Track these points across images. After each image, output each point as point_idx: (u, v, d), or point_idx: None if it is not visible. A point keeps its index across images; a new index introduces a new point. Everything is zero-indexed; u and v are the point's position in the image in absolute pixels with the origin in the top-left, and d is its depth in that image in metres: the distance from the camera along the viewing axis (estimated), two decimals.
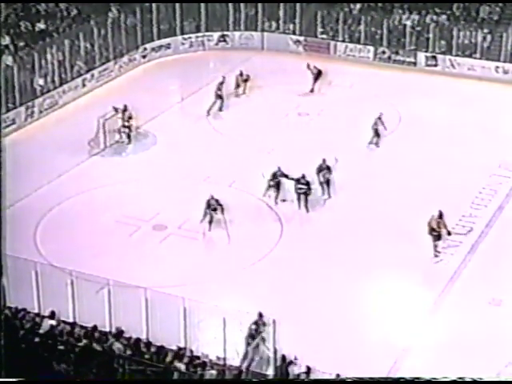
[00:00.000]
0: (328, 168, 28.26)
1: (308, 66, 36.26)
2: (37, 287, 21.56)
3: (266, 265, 24.88)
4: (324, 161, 28.28)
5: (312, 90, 36.14)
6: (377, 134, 31.67)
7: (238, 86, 35.83)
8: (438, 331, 22.26)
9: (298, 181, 27.47)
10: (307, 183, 27.43)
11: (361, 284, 23.94)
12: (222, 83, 34.31)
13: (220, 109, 34.30)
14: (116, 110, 31.65)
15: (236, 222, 26.67)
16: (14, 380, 14.16)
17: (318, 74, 36.24)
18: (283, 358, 19.39)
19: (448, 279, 24.39)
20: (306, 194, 27.50)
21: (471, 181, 29.36)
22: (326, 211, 27.62)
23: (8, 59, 33.93)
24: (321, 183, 28.28)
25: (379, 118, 31.59)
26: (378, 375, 18.58)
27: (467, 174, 29.68)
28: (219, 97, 34.21)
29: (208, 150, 31.45)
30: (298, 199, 27.60)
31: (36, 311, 20.92)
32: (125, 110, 31.65)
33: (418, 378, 15.75)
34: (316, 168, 28.21)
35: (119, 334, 19.61)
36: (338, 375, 18.37)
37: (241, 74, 35.93)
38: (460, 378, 15.31)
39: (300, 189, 27.44)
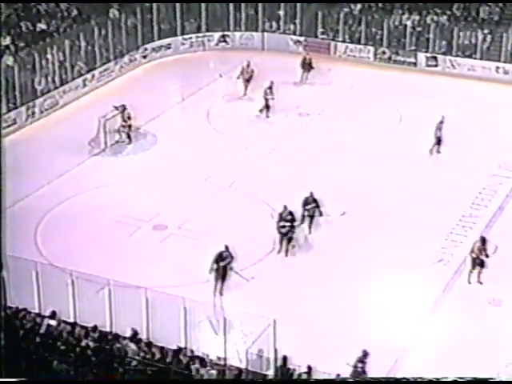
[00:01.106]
0: (315, 201, 26.17)
1: (304, 59, 36.80)
2: (37, 287, 21.56)
3: (266, 265, 24.87)
4: (311, 194, 26.18)
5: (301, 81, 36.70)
6: (438, 140, 30.75)
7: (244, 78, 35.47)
8: (438, 331, 22.29)
9: (280, 216, 25.35)
10: (291, 220, 25.35)
11: (361, 284, 23.95)
12: (270, 88, 33.79)
13: (267, 115, 33.95)
14: (116, 108, 31.64)
15: (236, 222, 26.68)
16: (13, 380, 14.16)
17: (310, 67, 36.75)
18: (284, 358, 19.38)
19: (448, 279, 24.39)
20: (289, 233, 25.33)
21: (471, 181, 29.37)
22: (325, 211, 27.52)
23: (9, 59, 33.94)
24: (303, 217, 26.03)
25: (441, 123, 30.69)
26: (378, 375, 18.62)
27: (467, 174, 29.68)
28: (266, 102, 33.74)
29: (208, 150, 31.47)
30: (281, 241, 25.44)
31: (36, 311, 20.90)
32: (124, 109, 31.64)
33: (417, 378, 15.80)
34: (302, 201, 26.22)
35: (134, 335, 19.55)
36: (338, 375, 18.41)
37: (248, 65, 35.56)
38: (460, 378, 15.32)
39: (283, 227, 25.31)
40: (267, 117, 33.86)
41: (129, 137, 31.75)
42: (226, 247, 23.57)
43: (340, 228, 26.69)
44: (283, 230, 25.24)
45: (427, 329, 22.45)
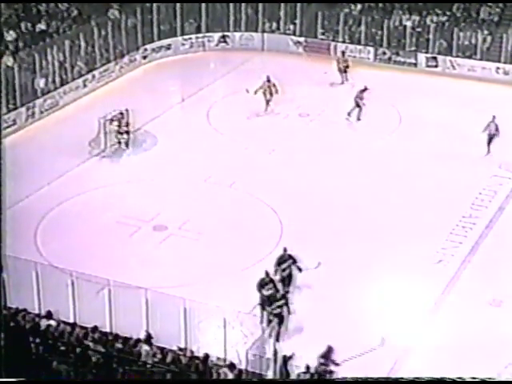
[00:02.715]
0: (291, 257, 23.10)
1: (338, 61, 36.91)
2: (37, 288, 21.56)
3: (267, 266, 24.84)
4: (285, 250, 23.34)
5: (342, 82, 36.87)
6: (490, 140, 30.75)
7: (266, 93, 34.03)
8: (439, 332, 22.28)
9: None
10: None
11: (361, 285, 23.96)
12: (363, 91, 33.58)
13: (358, 118, 33.74)
14: (122, 114, 31.53)
15: (236, 222, 26.71)
16: (14, 380, 14.17)
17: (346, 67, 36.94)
18: (284, 358, 19.39)
19: (449, 280, 24.41)
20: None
21: (471, 182, 29.39)
22: (325, 211, 27.60)
23: (9, 60, 33.97)
24: (282, 279, 22.88)
25: (492, 122, 30.65)
26: (378, 375, 18.60)
27: (467, 175, 29.70)
28: (358, 105, 33.51)
29: (209, 150, 31.48)
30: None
31: (36, 312, 20.90)
32: (122, 117, 31.55)
33: (418, 378, 15.76)
34: (276, 259, 23.36)
35: (148, 337, 19.56)
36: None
37: (268, 80, 34.22)
38: (459, 378, 15.31)
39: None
40: (358, 119, 33.68)
41: (126, 144, 31.58)
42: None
43: (340, 227, 26.70)
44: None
45: (428, 329, 22.45)
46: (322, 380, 17.65)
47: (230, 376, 18.47)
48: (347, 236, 26.37)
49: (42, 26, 36.44)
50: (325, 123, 33.66)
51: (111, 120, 31.43)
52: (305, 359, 19.20)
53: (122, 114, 31.62)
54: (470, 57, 38.81)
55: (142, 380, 16.32)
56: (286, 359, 19.23)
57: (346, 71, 37.13)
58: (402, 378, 16.99)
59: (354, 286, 23.85)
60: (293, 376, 19.06)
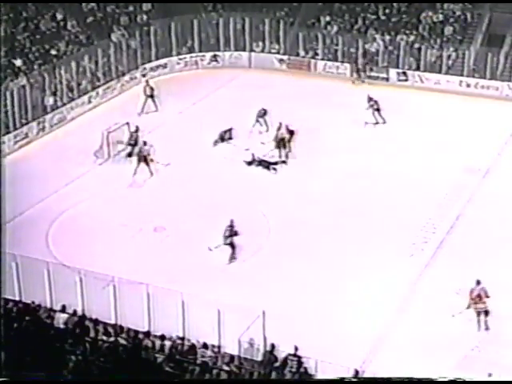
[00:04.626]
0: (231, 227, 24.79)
1: (369, 99, 34.20)
2: (49, 284, 21.56)
3: (256, 262, 24.92)
4: (232, 221, 24.94)
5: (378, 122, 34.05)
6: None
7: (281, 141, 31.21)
8: (409, 324, 22.21)
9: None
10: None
11: (338, 279, 23.98)
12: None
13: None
14: (126, 127, 31.54)
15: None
16: (13, 380, 13.97)
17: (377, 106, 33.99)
18: (272, 345, 19.45)
19: (419, 273, 24.47)
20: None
21: (439, 185, 29.47)
22: (310, 211, 27.66)
23: (22, 80, 33.98)
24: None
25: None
26: (351, 365, 18.55)
27: (434, 179, 29.79)
28: None
29: (203, 160, 31.37)
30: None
31: (49, 306, 20.90)
32: (136, 130, 31.66)
33: (419, 379, 15.74)
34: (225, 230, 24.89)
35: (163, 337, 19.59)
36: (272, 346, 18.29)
37: (279, 128, 31.58)
38: (458, 379, 15.25)
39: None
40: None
41: (129, 154, 31.42)
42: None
43: (324, 227, 26.75)
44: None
45: (399, 322, 22.33)
46: (323, 380, 17.43)
47: (224, 363, 18.58)
48: (331, 234, 26.37)
49: (53, 52, 36.46)
50: (309, 133, 33.26)
51: (113, 132, 31.49)
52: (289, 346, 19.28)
53: (125, 126, 31.69)
54: (436, 71, 38.98)
55: (142, 380, 16.09)
56: (274, 346, 19.32)
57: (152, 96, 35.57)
58: (400, 378, 16.87)
59: (335, 281, 23.87)
60: (280, 357, 19.10)
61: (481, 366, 19.67)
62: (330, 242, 25.93)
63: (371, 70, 39.49)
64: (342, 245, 25.68)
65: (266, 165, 30.75)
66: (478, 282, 21.78)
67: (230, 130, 32.66)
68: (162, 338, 19.28)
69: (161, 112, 35.32)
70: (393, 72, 39.34)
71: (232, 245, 24.88)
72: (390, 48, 39.80)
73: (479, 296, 21.60)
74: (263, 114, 33.28)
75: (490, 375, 18.44)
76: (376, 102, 34.00)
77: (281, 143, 31.33)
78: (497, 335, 21.49)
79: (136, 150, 30.97)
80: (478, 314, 21.67)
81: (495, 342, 21.17)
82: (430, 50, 39.18)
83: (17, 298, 21.13)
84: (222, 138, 32.61)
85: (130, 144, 31.63)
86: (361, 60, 38.75)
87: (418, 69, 39.19)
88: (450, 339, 21.19)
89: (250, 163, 30.86)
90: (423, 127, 34.01)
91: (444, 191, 29.08)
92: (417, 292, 23.59)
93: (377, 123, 33.95)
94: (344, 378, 17.21)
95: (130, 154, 31.50)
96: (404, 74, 39.24)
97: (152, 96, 35.19)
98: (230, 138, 32.59)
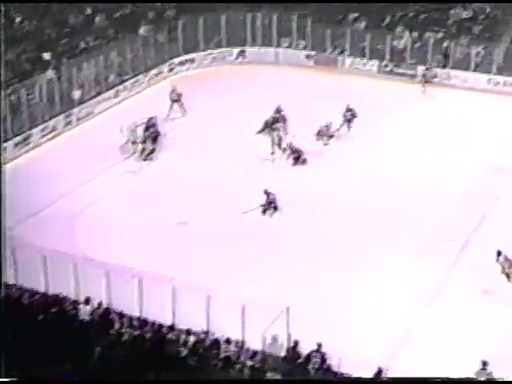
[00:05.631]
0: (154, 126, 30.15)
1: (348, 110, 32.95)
2: (75, 277, 21.70)
3: (279, 258, 24.91)
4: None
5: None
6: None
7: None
8: (435, 321, 22.13)
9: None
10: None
11: (360, 273, 23.92)
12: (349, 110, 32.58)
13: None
14: (149, 121, 31.72)
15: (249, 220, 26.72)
16: (13, 380, 14.06)
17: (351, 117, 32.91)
18: (295, 342, 19.48)
19: (445, 270, 24.38)
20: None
21: (464, 182, 29.33)
22: (327, 203, 27.66)
23: (50, 73, 34.22)
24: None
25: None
26: (376, 363, 18.53)
27: (461, 175, 29.73)
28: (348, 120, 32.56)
29: (226, 155, 31.41)
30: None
31: (74, 299, 21.06)
32: (149, 124, 31.73)
33: (420, 378, 15.71)
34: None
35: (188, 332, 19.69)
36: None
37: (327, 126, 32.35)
38: (461, 379, 15.16)
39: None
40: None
41: (152, 149, 31.60)
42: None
43: (342, 220, 26.73)
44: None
45: (425, 319, 22.30)
46: (325, 380, 17.42)
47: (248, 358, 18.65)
48: (349, 227, 26.39)
49: (82, 45, 36.70)
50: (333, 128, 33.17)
51: (140, 126, 31.61)
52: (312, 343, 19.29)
53: (149, 121, 31.81)
54: (464, 69, 38.76)
55: (143, 380, 16.08)
56: (297, 342, 19.34)
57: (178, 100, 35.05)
58: (405, 378, 16.86)
59: (353, 275, 23.82)
60: (304, 354, 19.14)
61: (508, 364, 19.52)
62: (356, 237, 25.87)
63: (398, 66, 39.38)
64: (369, 240, 25.60)
65: (297, 156, 30.71)
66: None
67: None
68: (188, 332, 19.36)
69: (187, 107, 35.26)
70: (420, 69, 39.14)
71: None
72: (418, 44, 39.63)
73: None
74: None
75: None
76: (353, 114, 32.72)
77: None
78: None
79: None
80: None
81: None
82: (459, 47, 39.00)
83: (42, 290, 21.32)
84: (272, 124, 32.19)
85: (151, 138, 31.71)
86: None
87: (445, 66, 39.02)
88: (476, 336, 21.09)
89: (284, 149, 30.83)
90: (450, 125, 33.83)
91: (470, 189, 28.92)
92: (443, 289, 23.48)
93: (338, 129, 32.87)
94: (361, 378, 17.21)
95: (153, 149, 31.62)
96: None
97: (178, 101, 35.02)
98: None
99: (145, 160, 31.07)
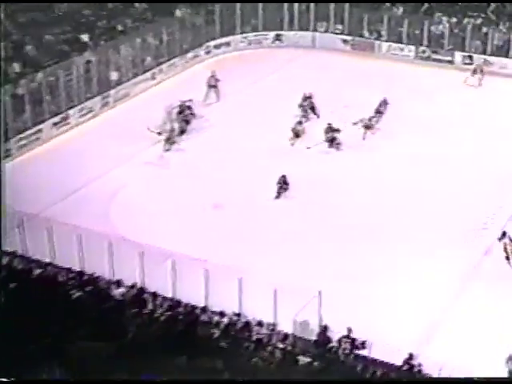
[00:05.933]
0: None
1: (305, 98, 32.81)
2: (109, 257, 21.94)
3: (313, 243, 24.97)
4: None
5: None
6: None
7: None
8: (467, 309, 22.01)
9: None
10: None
11: (400, 262, 23.82)
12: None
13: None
14: (185, 103, 31.82)
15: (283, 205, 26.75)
16: (13, 380, 14.22)
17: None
18: (325, 326, 19.57)
19: (478, 259, 24.28)
20: None
21: (502, 171, 29.10)
22: (362, 191, 27.63)
23: (88, 55, 34.50)
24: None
25: None
26: (408, 350, 18.53)
27: (498, 164, 29.54)
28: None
29: (261, 140, 31.42)
30: None
31: (108, 278, 21.29)
32: (186, 106, 32.05)
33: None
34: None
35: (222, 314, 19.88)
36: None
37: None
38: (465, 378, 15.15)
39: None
40: None
41: (182, 131, 31.78)
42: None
43: (373, 210, 26.72)
44: None
45: (456, 305, 22.31)
46: (337, 381, 17.42)
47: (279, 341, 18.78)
48: (380, 212, 26.38)
49: (119, 27, 36.91)
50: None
51: (176, 109, 31.78)
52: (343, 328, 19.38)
53: (185, 103, 31.96)
54: (502, 55, 38.41)
55: (142, 380, 16.22)
56: (326, 327, 19.44)
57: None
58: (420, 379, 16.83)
59: (385, 262, 23.77)
60: (335, 339, 19.24)
61: None
62: (389, 224, 25.82)
63: (435, 52, 39.13)
64: (401, 228, 25.56)
65: (332, 138, 30.63)
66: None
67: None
68: (221, 314, 19.52)
69: (223, 91, 35.31)
70: (458, 55, 38.87)
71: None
72: (456, 31, 39.34)
73: None
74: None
75: None
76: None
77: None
78: None
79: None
80: None
81: None
82: (498, 33, 38.65)
83: (78, 269, 21.60)
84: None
85: (184, 120, 31.89)
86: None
87: (484, 52, 38.69)
88: (508, 325, 21.02)
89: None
90: (488, 112, 33.59)
91: (507, 179, 28.69)
92: (475, 278, 23.37)
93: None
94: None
95: (182, 131, 31.75)
96: (470, 57, 38.72)
97: (215, 86, 35.03)
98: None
99: (172, 143, 31.04)
